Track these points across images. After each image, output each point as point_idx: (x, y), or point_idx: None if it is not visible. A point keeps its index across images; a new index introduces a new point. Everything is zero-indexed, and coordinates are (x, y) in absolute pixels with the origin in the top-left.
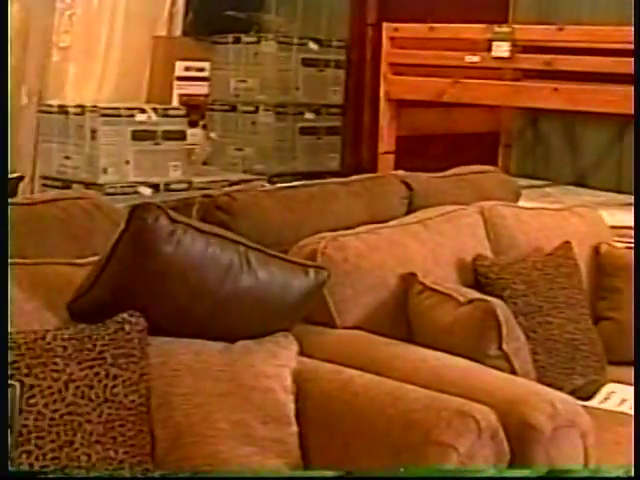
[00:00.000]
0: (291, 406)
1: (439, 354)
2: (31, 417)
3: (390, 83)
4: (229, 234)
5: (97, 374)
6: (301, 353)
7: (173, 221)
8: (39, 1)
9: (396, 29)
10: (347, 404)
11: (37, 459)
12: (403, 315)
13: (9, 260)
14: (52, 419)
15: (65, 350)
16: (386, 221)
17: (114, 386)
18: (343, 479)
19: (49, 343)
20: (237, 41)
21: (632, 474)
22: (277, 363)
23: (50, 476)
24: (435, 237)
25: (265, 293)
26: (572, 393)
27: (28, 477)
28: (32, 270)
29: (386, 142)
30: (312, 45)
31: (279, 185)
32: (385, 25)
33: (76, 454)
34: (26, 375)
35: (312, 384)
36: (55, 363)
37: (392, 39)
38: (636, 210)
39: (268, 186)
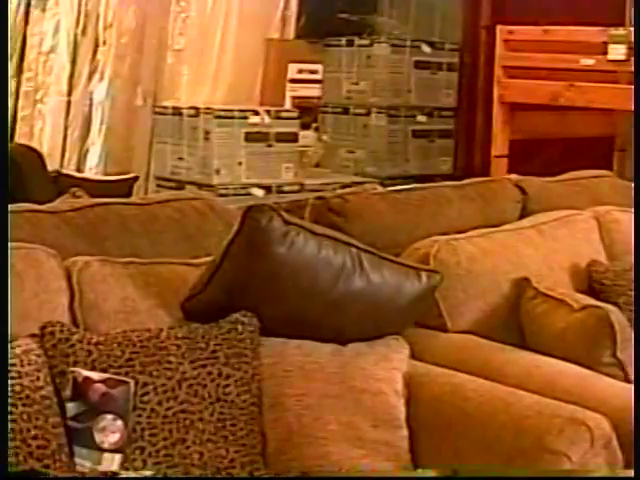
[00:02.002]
0: (402, 409)
1: (552, 360)
2: (144, 414)
3: (503, 86)
4: (341, 236)
5: (210, 373)
6: (412, 357)
7: (286, 222)
8: (155, 4)
9: (510, 32)
10: (458, 409)
11: (150, 455)
12: (515, 320)
13: (124, 260)
14: (165, 417)
15: (179, 349)
16: (499, 225)
17: (226, 385)
18: (450, 479)
19: (163, 342)
20: (350, 44)
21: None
22: (388, 366)
23: (49, 476)
24: (549, 242)
25: (377, 296)
26: None
27: (28, 477)
28: (147, 269)
29: (499, 145)
30: (425, 48)
31: (391, 188)
32: (499, 28)
33: (188, 452)
34: (140, 373)
35: (423, 388)
36: (169, 362)
37: (506, 42)
38: (636, 210)
39: (380, 189)
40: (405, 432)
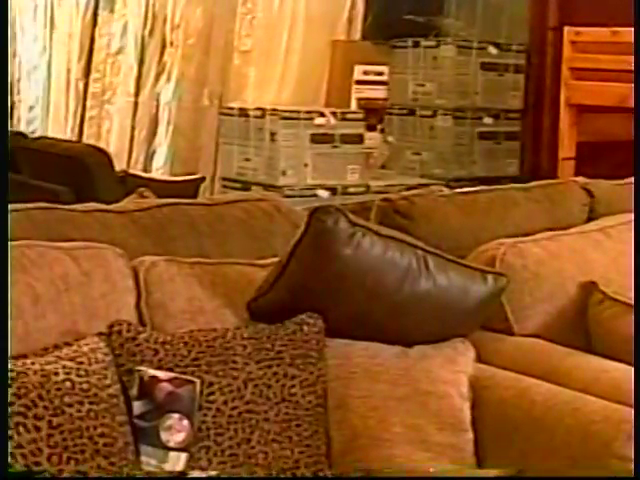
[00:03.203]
0: (467, 413)
1: (619, 365)
2: (210, 414)
3: (571, 88)
4: (408, 238)
5: (275, 374)
6: (478, 360)
7: (352, 224)
8: (222, 6)
9: (577, 33)
10: (524, 412)
11: (215, 455)
12: (582, 324)
13: (190, 260)
14: (230, 416)
15: (244, 349)
16: (566, 228)
17: (292, 386)
18: (514, 479)
19: (229, 342)
20: (416, 45)
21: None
22: (454, 369)
23: (49, 476)
24: (617, 245)
25: (443, 298)
26: None
27: (28, 477)
28: (213, 270)
29: (566, 148)
30: (491, 49)
31: (458, 190)
32: (566, 29)
33: (253, 452)
34: (206, 372)
35: (489, 391)
36: (234, 362)
37: (573, 43)
38: (636, 210)
39: (446, 191)
40: (470, 435)
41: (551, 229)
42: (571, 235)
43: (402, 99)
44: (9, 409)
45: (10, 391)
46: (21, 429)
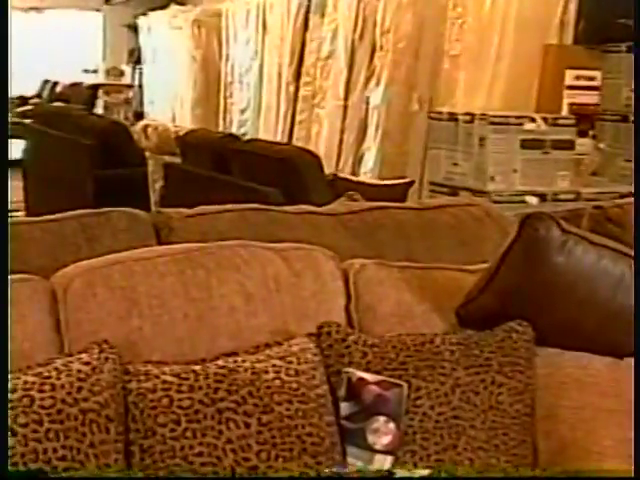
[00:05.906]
0: None
1: None
2: (417, 418)
3: None
4: (620, 247)
5: (483, 380)
6: None
7: (565, 231)
8: (432, 10)
9: None
10: None
11: (421, 459)
12: None
13: (399, 264)
14: (437, 422)
15: (452, 354)
16: None
17: (499, 394)
18: None
19: (437, 347)
20: (630, 50)
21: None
22: None
23: (49, 476)
24: None
25: None
26: None
27: (28, 477)
28: (422, 274)
29: None
30: None
31: None
32: None
33: (459, 458)
34: (414, 377)
35: None
36: (442, 367)
37: None
38: (636, 210)
39: None
40: None
41: None
42: None
43: (615, 105)
44: (220, 404)
45: (222, 387)
46: (231, 425)
